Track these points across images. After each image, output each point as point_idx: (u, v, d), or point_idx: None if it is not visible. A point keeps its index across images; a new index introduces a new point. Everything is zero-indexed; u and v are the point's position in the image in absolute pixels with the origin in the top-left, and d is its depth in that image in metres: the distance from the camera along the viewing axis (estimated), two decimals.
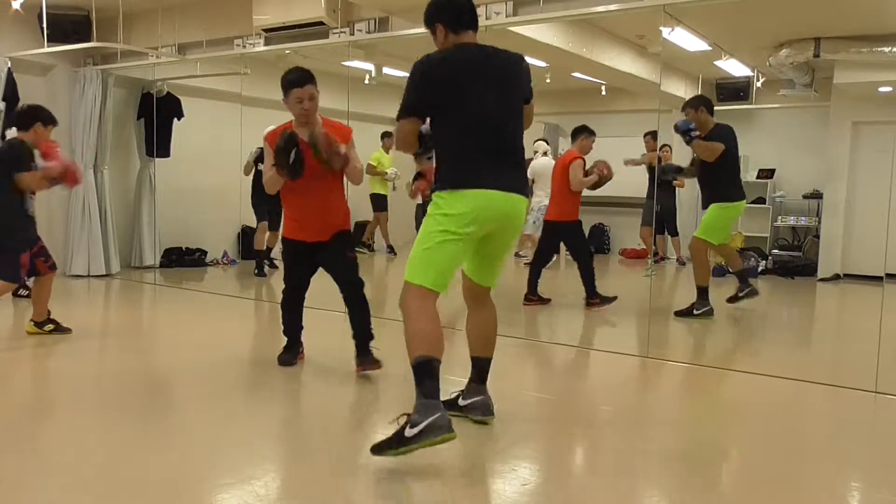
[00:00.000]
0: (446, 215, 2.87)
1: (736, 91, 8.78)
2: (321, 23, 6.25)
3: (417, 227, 7.59)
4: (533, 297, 6.37)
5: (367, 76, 8.07)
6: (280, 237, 4.26)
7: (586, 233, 10.70)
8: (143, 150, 8.46)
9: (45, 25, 6.87)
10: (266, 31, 6.62)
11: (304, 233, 3.97)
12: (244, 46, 6.86)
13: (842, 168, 8.62)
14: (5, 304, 5.06)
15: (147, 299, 7.21)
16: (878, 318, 4.36)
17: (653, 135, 8.62)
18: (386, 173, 9.63)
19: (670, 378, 4.46)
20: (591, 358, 4.83)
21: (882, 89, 7.95)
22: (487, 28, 5.14)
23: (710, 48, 7.01)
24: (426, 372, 2.73)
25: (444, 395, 2.92)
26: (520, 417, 3.38)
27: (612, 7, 4.97)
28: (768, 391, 4.02)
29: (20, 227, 4.60)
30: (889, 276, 6.17)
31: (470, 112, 2.92)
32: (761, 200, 9.43)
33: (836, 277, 8.55)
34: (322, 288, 4.20)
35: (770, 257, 9.11)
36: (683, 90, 8.77)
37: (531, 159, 8.08)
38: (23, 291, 6.08)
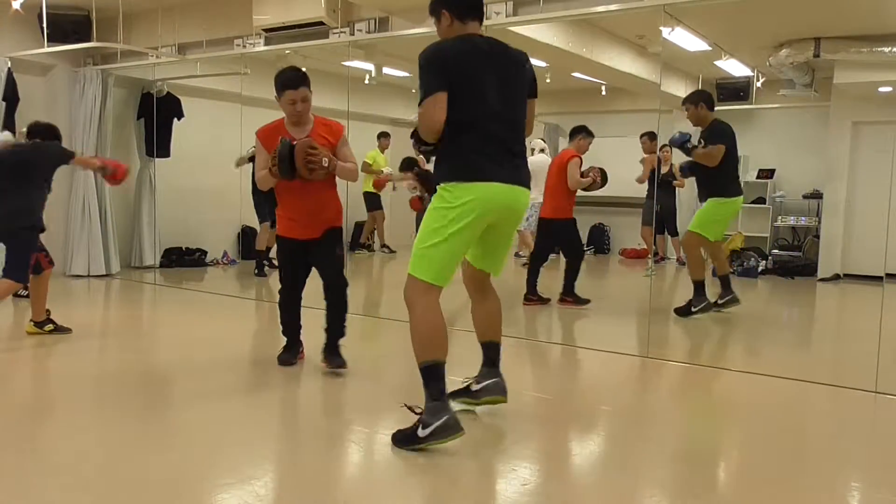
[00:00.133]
0: (451, 208, 2.87)
1: (736, 91, 8.78)
2: (321, 23, 6.25)
3: (417, 227, 7.65)
4: (532, 296, 6.39)
5: (367, 76, 8.07)
6: (275, 236, 4.25)
7: (586, 233, 10.85)
8: (143, 150, 8.46)
9: (45, 25, 6.87)
10: (266, 31, 6.62)
11: (298, 230, 3.97)
12: (244, 46, 6.87)
13: (842, 168, 8.62)
14: (5, 303, 5.06)
15: (147, 299, 7.21)
16: (878, 318, 4.36)
17: (649, 135, 8.62)
18: (382, 172, 9.63)
19: (670, 378, 4.46)
20: (590, 358, 4.83)
21: (882, 89, 7.95)
22: (487, 28, 5.13)
23: (710, 48, 7.01)
24: (433, 375, 2.84)
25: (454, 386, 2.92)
26: (520, 417, 3.38)
27: (612, 7, 4.97)
28: (768, 391, 4.02)
29: (38, 228, 4.69)
30: (889, 276, 6.16)
31: (478, 103, 2.91)
32: (761, 200, 9.44)
33: (836, 277, 8.55)
34: (321, 288, 4.20)
35: (770, 257, 9.11)
36: (683, 90, 8.76)
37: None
38: (22, 292, 6.07)
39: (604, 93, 9.26)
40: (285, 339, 4.22)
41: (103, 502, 2.46)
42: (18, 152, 4.81)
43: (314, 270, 4.08)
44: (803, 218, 9.26)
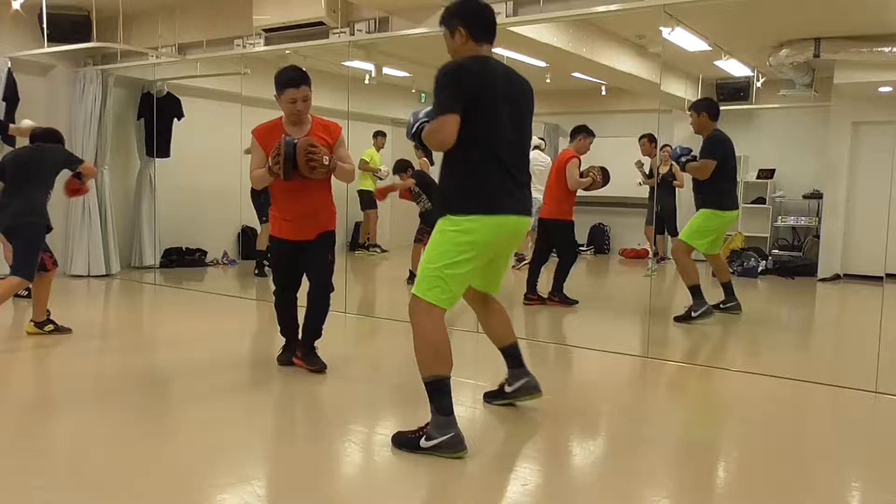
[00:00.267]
0: (464, 233, 2.86)
1: (736, 91, 8.79)
2: (321, 23, 6.25)
3: (421, 223, 7.69)
4: (533, 296, 6.40)
5: (367, 76, 8.07)
6: (269, 237, 4.20)
7: (586, 233, 10.85)
8: (143, 150, 8.46)
9: (45, 25, 6.87)
10: (266, 31, 6.62)
11: (293, 231, 3.94)
12: (244, 46, 6.86)
13: (842, 168, 8.62)
14: (6, 304, 5.05)
15: (147, 299, 7.21)
16: (878, 318, 4.36)
17: (649, 137, 8.62)
18: (380, 170, 9.63)
19: (670, 378, 4.46)
20: (590, 358, 4.82)
21: (882, 89, 7.95)
22: None
23: (710, 48, 7.01)
24: (440, 389, 2.86)
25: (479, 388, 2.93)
26: (520, 417, 3.39)
27: (612, 7, 4.97)
28: (768, 391, 4.02)
29: (47, 227, 4.76)
30: (889, 276, 6.15)
31: (494, 130, 2.89)
32: (761, 200, 9.44)
33: (836, 277, 8.55)
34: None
35: (770, 257, 9.11)
36: (683, 90, 8.78)
37: None
38: (23, 292, 6.07)
39: (604, 93, 9.26)
40: (284, 339, 4.22)
41: (103, 502, 2.46)
42: (21, 155, 4.89)
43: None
44: (803, 218, 9.26)
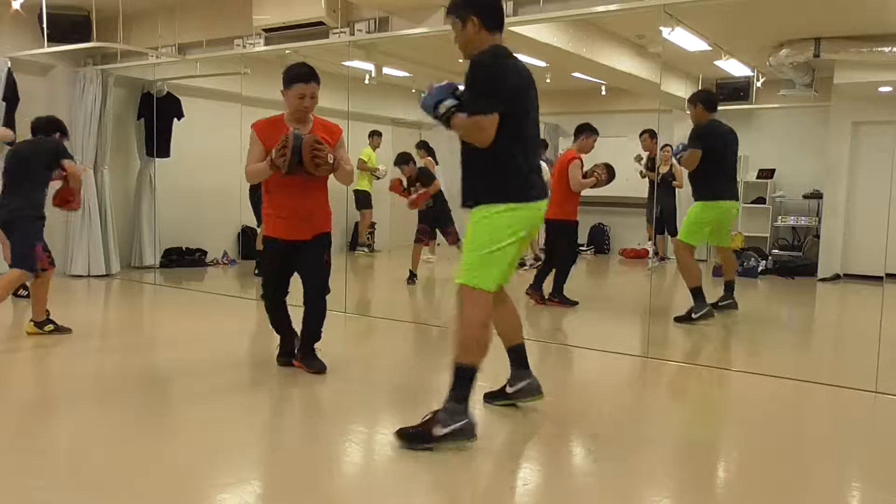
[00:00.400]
0: (509, 223, 2.94)
1: (736, 91, 8.79)
2: (321, 23, 6.25)
3: (420, 223, 7.70)
4: (554, 297, 6.41)
5: (367, 76, 8.07)
6: (261, 236, 4.11)
7: (586, 233, 10.85)
8: (143, 150, 8.47)
9: (45, 25, 6.87)
10: (266, 31, 6.62)
11: (288, 230, 3.88)
12: (244, 46, 6.86)
13: (842, 168, 8.62)
14: (5, 304, 5.05)
15: (147, 299, 7.21)
16: (878, 318, 4.36)
17: (650, 133, 8.63)
18: (378, 169, 9.64)
19: (670, 378, 4.46)
20: (591, 358, 4.83)
21: (882, 89, 7.95)
22: None
23: (710, 48, 7.01)
24: (469, 378, 2.91)
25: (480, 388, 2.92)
26: (520, 417, 3.39)
27: (612, 7, 4.97)
28: (768, 391, 4.02)
29: (38, 217, 4.75)
30: (889, 276, 6.15)
31: (525, 125, 3.00)
32: (761, 200, 9.44)
33: (836, 277, 8.55)
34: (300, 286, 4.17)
35: (770, 257, 9.11)
36: (683, 90, 8.77)
37: None
38: (22, 292, 6.09)
39: (604, 93, 9.26)
40: (279, 337, 4.19)
41: (103, 502, 2.46)
42: (21, 150, 4.90)
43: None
44: (803, 218, 9.26)
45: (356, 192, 9.46)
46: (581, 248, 9.76)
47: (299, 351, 4.08)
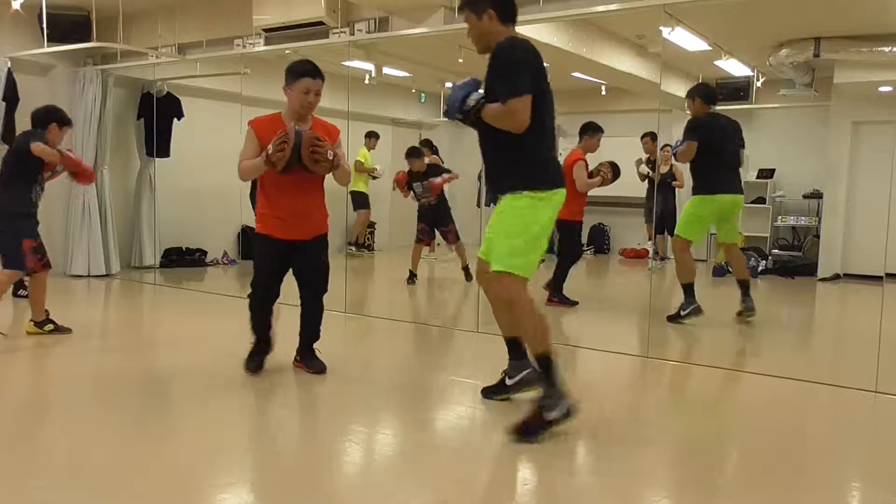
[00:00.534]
0: (542, 210, 3.11)
1: (736, 91, 8.79)
2: (321, 23, 6.25)
3: (419, 223, 7.70)
4: (555, 296, 6.42)
5: (367, 76, 8.07)
6: (255, 234, 4.03)
7: (586, 233, 10.84)
8: (143, 150, 8.46)
9: (45, 25, 6.87)
10: (266, 31, 6.62)
11: (284, 230, 3.83)
12: (244, 46, 6.86)
13: (842, 168, 8.62)
14: (5, 304, 5.06)
15: (147, 299, 7.21)
16: (878, 317, 4.36)
17: (651, 136, 8.63)
18: (375, 169, 9.64)
19: (670, 378, 4.46)
20: (591, 358, 4.82)
21: (882, 89, 7.95)
22: None
23: (710, 48, 7.01)
24: (551, 364, 3.06)
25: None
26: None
27: (612, 7, 4.96)
28: (768, 391, 4.02)
29: (25, 215, 4.71)
30: (889, 276, 6.15)
31: (550, 112, 3.15)
32: (761, 200, 9.45)
33: (836, 277, 8.55)
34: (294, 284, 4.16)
35: (770, 257, 9.12)
36: (683, 90, 8.73)
37: None
38: (22, 292, 6.09)
39: (604, 93, 9.26)
40: (265, 341, 4.12)
41: (103, 502, 2.46)
42: (20, 144, 4.83)
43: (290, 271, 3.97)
44: (803, 218, 9.26)
45: (352, 193, 9.46)
46: (582, 247, 9.76)
47: (299, 351, 4.08)
